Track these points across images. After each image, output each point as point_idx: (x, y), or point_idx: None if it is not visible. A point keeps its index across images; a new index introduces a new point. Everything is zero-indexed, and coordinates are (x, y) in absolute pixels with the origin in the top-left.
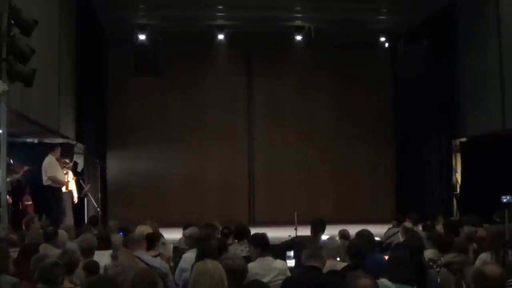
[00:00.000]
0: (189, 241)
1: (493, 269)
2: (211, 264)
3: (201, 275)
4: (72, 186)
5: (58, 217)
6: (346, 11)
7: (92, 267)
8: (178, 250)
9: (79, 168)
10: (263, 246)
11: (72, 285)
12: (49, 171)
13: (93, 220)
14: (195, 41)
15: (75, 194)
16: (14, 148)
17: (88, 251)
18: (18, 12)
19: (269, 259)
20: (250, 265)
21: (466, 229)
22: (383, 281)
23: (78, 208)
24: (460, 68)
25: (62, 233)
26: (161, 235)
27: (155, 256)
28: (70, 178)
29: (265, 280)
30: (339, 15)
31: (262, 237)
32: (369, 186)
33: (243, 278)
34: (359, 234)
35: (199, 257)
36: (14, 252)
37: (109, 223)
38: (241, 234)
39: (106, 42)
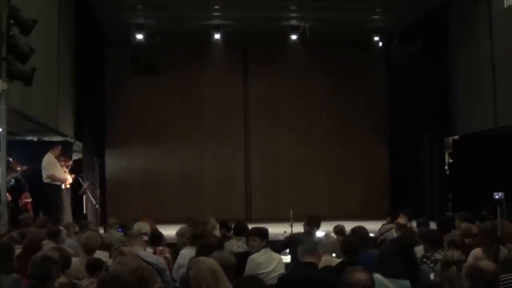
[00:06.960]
0: (182, 239)
1: (488, 264)
2: (203, 261)
3: (195, 272)
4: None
5: (57, 214)
6: (341, 11)
7: (95, 265)
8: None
9: None
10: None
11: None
12: (48, 170)
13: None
14: (192, 40)
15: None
16: (13, 146)
17: (90, 249)
18: (17, 11)
19: (270, 251)
20: (254, 255)
21: (462, 225)
22: (377, 276)
23: (77, 205)
24: (452, 67)
25: (61, 230)
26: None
27: (153, 253)
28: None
29: (270, 268)
30: (333, 14)
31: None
32: (364, 183)
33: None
34: (354, 230)
35: (199, 254)
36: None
37: (109, 221)
38: (240, 230)
39: (104, 42)
